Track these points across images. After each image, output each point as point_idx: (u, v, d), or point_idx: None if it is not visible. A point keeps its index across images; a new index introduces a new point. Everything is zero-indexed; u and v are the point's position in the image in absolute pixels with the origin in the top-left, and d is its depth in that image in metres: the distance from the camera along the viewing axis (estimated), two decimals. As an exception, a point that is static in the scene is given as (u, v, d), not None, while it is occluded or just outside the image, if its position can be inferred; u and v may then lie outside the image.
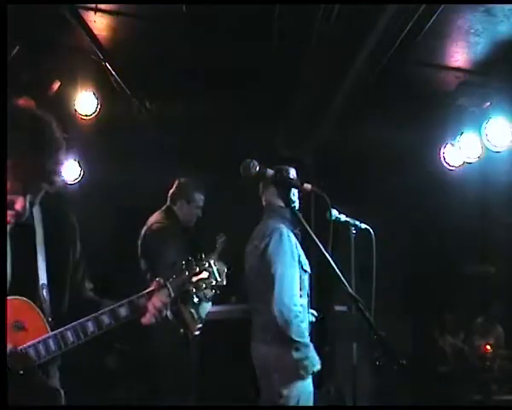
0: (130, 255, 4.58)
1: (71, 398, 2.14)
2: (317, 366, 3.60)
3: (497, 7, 3.62)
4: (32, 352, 1.93)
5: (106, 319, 2.06)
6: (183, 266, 2.25)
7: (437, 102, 4.99)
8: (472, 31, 3.95)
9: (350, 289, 2.23)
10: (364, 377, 3.52)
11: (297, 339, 3.51)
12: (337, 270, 2.29)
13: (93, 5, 3.88)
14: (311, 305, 3.83)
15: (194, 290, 2.26)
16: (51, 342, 1.96)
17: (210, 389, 5.55)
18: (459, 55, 4.40)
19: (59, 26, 3.90)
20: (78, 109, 4.64)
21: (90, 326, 2.03)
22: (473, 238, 6.65)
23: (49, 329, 1.99)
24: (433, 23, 3.62)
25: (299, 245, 3.70)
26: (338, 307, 5.86)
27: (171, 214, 4.63)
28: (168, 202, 4.71)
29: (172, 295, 2.19)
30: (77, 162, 5.38)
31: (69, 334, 1.99)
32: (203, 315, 4.68)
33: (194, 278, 2.25)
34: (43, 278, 2.02)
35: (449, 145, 5.22)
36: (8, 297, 1.92)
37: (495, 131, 4.64)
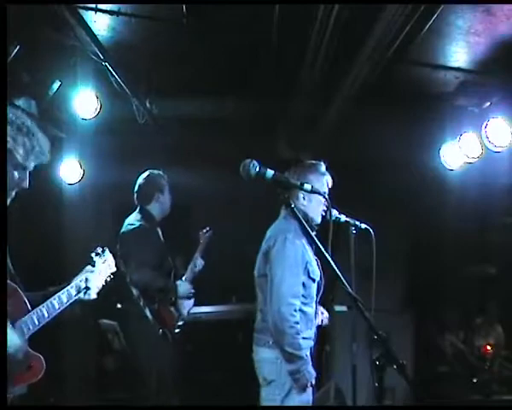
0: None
1: (71, 398, 2.16)
2: (312, 381, 3.47)
3: (497, 7, 3.62)
4: (24, 327, 2.39)
5: (64, 298, 2.61)
6: (95, 257, 2.92)
7: (437, 102, 5.00)
8: (472, 31, 3.95)
9: (350, 289, 2.23)
10: (364, 377, 3.50)
11: (289, 351, 3.41)
12: (337, 270, 2.29)
13: (93, 5, 3.88)
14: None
15: (103, 276, 2.94)
16: (35, 318, 2.44)
17: (209, 389, 5.56)
18: (459, 55, 4.40)
19: (59, 26, 3.90)
20: (78, 109, 4.64)
21: (56, 304, 2.54)
22: (472, 238, 6.65)
23: (29, 307, 2.44)
24: (433, 23, 3.62)
25: (309, 252, 3.60)
26: (338, 307, 5.86)
27: (145, 214, 4.66)
28: (140, 203, 4.71)
29: (101, 277, 2.89)
30: (77, 162, 5.38)
31: (44, 310, 2.48)
32: (184, 313, 4.70)
33: (103, 266, 2.94)
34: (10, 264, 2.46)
35: (449, 145, 5.22)
36: None
37: (495, 131, 4.63)
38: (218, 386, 5.70)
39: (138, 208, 4.69)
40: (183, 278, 4.71)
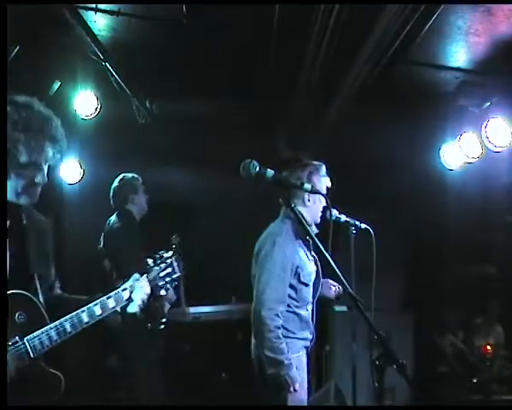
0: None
1: (71, 398, 2.16)
2: (295, 386, 3.38)
3: (497, 7, 3.62)
4: (37, 342, 2.10)
5: (97, 310, 2.26)
6: (153, 263, 2.54)
7: (437, 102, 4.99)
8: (472, 31, 3.95)
9: (350, 289, 2.23)
10: (364, 377, 3.50)
11: (268, 354, 3.38)
12: (337, 270, 2.29)
13: (93, 5, 3.88)
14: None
15: (162, 284, 2.54)
16: (53, 333, 2.14)
17: (209, 390, 5.55)
18: (459, 55, 4.40)
19: (59, 26, 3.90)
20: (78, 109, 4.64)
21: (85, 317, 2.22)
22: (473, 238, 6.64)
23: (47, 319, 2.17)
24: (433, 23, 3.62)
25: (303, 254, 3.59)
26: (338, 307, 5.86)
27: (126, 215, 4.70)
28: (117, 205, 4.75)
29: (149, 288, 2.46)
30: (77, 162, 5.38)
31: (67, 325, 2.17)
32: (166, 310, 4.71)
33: (162, 273, 2.54)
34: (34, 271, 2.21)
35: (449, 145, 5.22)
36: (10, 291, 2.09)
37: (495, 131, 4.63)
38: (217, 386, 5.69)
39: (117, 211, 4.74)
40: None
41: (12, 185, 2.15)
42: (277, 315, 3.43)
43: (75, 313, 2.19)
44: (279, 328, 3.42)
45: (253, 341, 3.70)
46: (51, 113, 2.26)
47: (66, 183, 5.39)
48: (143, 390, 4.48)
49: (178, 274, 2.60)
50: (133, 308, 2.40)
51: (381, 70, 4.20)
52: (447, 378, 6.62)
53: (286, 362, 3.38)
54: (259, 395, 3.70)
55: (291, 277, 3.52)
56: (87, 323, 2.22)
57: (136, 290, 2.41)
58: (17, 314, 2.11)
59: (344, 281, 2.24)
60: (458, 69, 4.60)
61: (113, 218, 4.72)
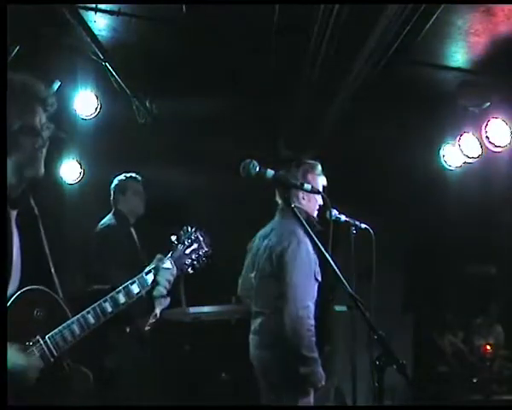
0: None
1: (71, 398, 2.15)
2: (323, 382, 3.44)
3: (497, 7, 3.62)
4: (59, 339, 1.98)
5: (121, 298, 2.14)
6: (176, 240, 2.38)
7: (437, 102, 4.99)
8: (472, 31, 3.95)
9: (350, 289, 2.23)
10: (364, 377, 3.50)
11: (305, 354, 3.37)
12: (337, 270, 2.29)
13: (93, 5, 3.88)
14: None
15: (189, 262, 2.41)
16: (75, 327, 2.02)
17: (209, 390, 5.55)
18: (459, 55, 4.39)
19: (59, 26, 3.90)
20: (78, 109, 4.64)
21: (108, 307, 2.09)
22: (473, 238, 6.65)
23: (69, 314, 2.05)
24: (433, 23, 3.62)
25: (311, 252, 3.58)
26: (338, 307, 5.86)
27: (118, 215, 4.71)
28: (112, 204, 4.79)
29: (174, 268, 2.32)
30: (77, 162, 5.38)
31: (90, 317, 2.05)
32: (157, 311, 4.64)
33: (188, 250, 2.41)
34: (51, 263, 2.08)
35: (449, 145, 5.21)
36: (26, 288, 1.97)
37: (495, 131, 4.63)
38: (217, 386, 5.69)
39: (113, 210, 4.75)
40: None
41: (14, 161, 2.02)
42: (311, 313, 3.44)
43: (97, 303, 2.07)
44: (313, 326, 3.44)
45: (253, 341, 3.70)
46: (33, 78, 2.18)
47: (66, 183, 5.39)
48: (133, 390, 4.45)
49: (206, 249, 2.48)
50: (159, 292, 2.26)
51: (381, 70, 4.20)
52: (447, 378, 6.62)
53: (317, 359, 3.42)
54: (259, 395, 3.70)
55: (312, 273, 3.54)
56: (111, 312, 2.10)
57: (161, 272, 2.27)
58: (35, 311, 1.99)
59: (344, 281, 2.24)
60: (458, 69, 4.60)
61: (106, 217, 4.71)
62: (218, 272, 5.11)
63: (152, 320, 4.58)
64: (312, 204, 3.69)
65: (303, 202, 3.68)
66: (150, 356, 4.53)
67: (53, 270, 2.08)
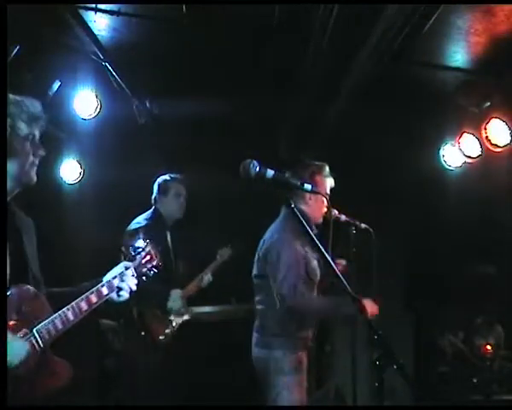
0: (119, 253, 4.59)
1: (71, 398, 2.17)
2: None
3: (497, 7, 3.61)
4: (45, 332, 2.22)
5: (94, 298, 2.42)
6: (133, 251, 2.72)
7: (437, 102, 4.99)
8: (472, 31, 3.94)
9: (350, 289, 2.23)
10: (364, 377, 3.50)
11: (334, 312, 3.53)
12: (337, 270, 2.29)
13: (93, 5, 3.87)
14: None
15: (145, 271, 2.73)
16: (58, 322, 2.27)
17: (209, 391, 5.55)
18: (459, 55, 4.39)
19: (59, 26, 3.89)
20: (78, 109, 4.64)
21: (84, 305, 2.37)
22: (473, 238, 6.64)
23: (51, 310, 2.29)
24: (433, 23, 3.61)
25: (309, 252, 3.63)
26: (338, 307, 5.85)
27: (156, 214, 4.69)
28: (153, 203, 4.80)
29: (135, 276, 2.63)
30: (77, 162, 5.38)
31: (70, 313, 2.31)
32: (173, 323, 4.63)
33: (143, 261, 2.73)
34: (31, 268, 2.32)
35: (449, 145, 5.21)
36: (14, 286, 2.19)
37: (495, 131, 4.63)
38: (217, 386, 5.69)
39: (152, 208, 4.74)
40: (177, 292, 4.61)
41: (16, 165, 2.25)
42: (304, 294, 3.50)
43: (75, 302, 2.33)
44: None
45: (254, 341, 3.71)
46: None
47: (66, 183, 5.39)
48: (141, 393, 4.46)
49: (157, 261, 2.78)
50: (123, 296, 2.55)
51: (381, 70, 4.20)
52: (447, 378, 6.61)
53: (337, 304, 3.42)
54: (260, 395, 3.70)
55: (302, 267, 3.57)
56: (86, 310, 2.36)
57: (126, 278, 2.56)
58: (23, 307, 2.19)
59: (344, 281, 2.24)
60: (458, 69, 4.60)
61: (142, 215, 4.69)
62: (217, 273, 5.12)
63: (167, 330, 4.57)
64: (319, 205, 3.71)
65: (309, 202, 3.70)
66: (162, 360, 4.55)
67: (36, 271, 2.33)
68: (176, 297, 4.58)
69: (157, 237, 4.61)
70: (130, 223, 4.70)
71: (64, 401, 2.32)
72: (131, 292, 2.59)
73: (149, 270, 2.76)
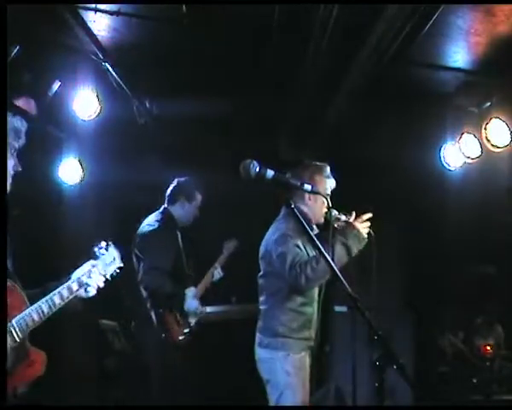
0: (130, 254, 4.60)
1: (71, 398, 2.19)
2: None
3: (497, 7, 3.61)
4: (23, 324, 2.42)
5: (65, 293, 2.61)
6: (99, 251, 2.86)
7: (437, 102, 4.99)
8: (472, 31, 3.94)
9: (349, 290, 2.24)
10: (364, 377, 3.50)
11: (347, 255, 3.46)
12: (337, 270, 2.30)
13: (93, 5, 3.87)
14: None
15: (110, 270, 2.87)
16: (35, 315, 2.46)
17: (210, 391, 5.55)
18: (459, 55, 4.39)
19: (59, 26, 3.89)
20: (78, 109, 4.63)
21: (57, 299, 2.55)
22: (473, 238, 6.64)
23: (27, 303, 2.48)
24: (433, 23, 3.61)
25: (309, 251, 3.63)
26: (338, 307, 5.86)
27: (167, 216, 4.67)
28: (165, 203, 4.75)
29: (103, 273, 2.80)
30: (77, 162, 5.37)
31: (44, 307, 2.50)
32: (191, 322, 4.67)
33: (108, 260, 2.88)
34: (9, 263, 2.49)
35: (449, 145, 5.21)
36: None
37: (495, 131, 4.63)
38: (217, 386, 5.69)
39: (162, 208, 4.72)
40: (192, 291, 4.65)
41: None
42: (312, 266, 3.43)
43: (49, 296, 2.53)
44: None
45: (257, 341, 3.71)
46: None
47: (66, 183, 5.39)
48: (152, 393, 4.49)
49: (120, 262, 2.94)
50: (90, 292, 2.74)
51: (381, 70, 4.20)
52: (447, 378, 6.61)
53: (341, 242, 3.43)
54: (262, 395, 3.71)
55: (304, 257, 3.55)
56: (59, 304, 2.56)
57: (94, 275, 2.75)
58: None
59: (344, 281, 2.24)
60: (458, 69, 4.59)
61: (152, 217, 4.69)
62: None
63: (186, 330, 4.59)
64: (319, 205, 3.70)
65: (309, 202, 3.69)
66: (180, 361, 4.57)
67: (10, 266, 2.48)
68: (191, 297, 4.60)
69: (169, 238, 4.63)
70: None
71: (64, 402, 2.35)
72: (99, 289, 2.77)
73: (114, 270, 2.91)
